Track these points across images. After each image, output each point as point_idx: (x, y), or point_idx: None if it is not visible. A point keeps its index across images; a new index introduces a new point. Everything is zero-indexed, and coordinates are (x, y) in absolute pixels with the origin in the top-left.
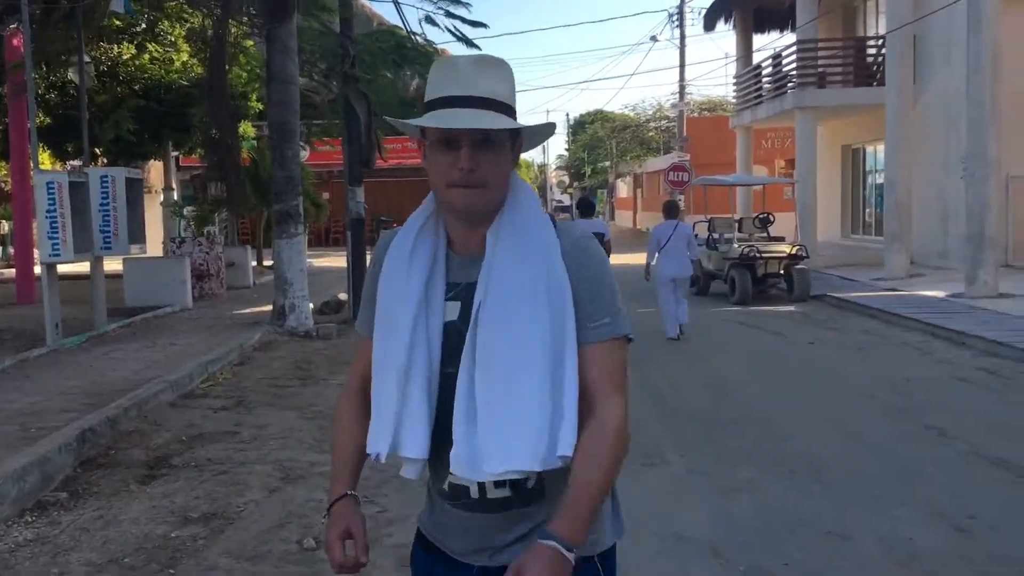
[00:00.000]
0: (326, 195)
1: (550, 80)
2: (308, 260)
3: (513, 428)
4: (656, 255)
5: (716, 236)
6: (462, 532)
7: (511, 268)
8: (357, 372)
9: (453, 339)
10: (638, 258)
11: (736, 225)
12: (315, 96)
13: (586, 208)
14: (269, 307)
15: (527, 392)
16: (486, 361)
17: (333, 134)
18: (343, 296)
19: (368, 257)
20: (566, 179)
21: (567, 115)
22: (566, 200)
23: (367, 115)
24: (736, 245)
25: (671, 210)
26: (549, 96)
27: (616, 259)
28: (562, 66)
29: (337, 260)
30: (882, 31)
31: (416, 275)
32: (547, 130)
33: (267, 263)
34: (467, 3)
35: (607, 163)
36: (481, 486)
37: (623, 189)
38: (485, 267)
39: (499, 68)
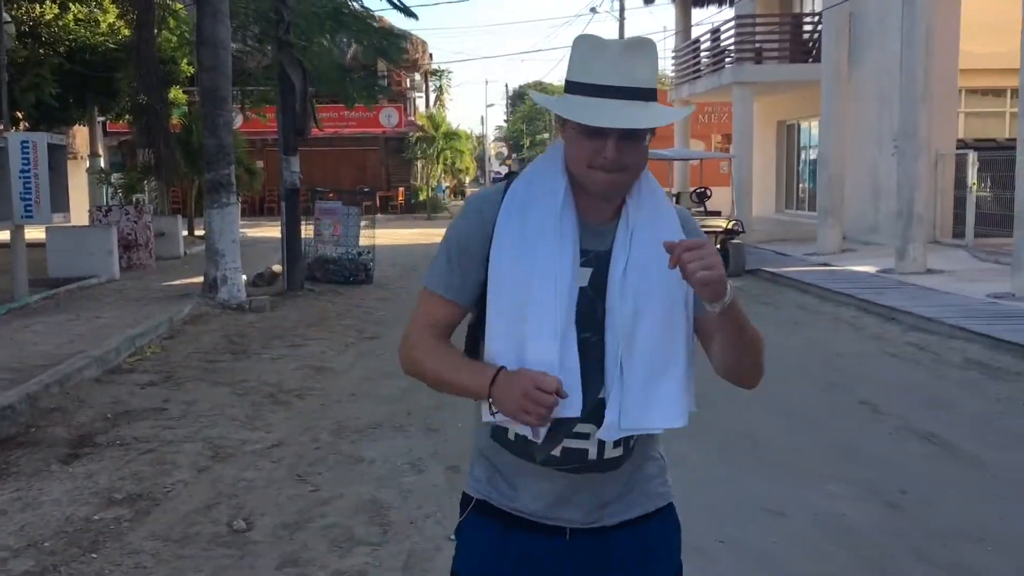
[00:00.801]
0: (261, 164)
1: (490, 50)
2: (241, 230)
3: (664, 389)
4: None
5: None
6: (565, 495)
7: (651, 235)
8: (428, 330)
9: (584, 305)
10: None
11: (674, 200)
12: (249, 62)
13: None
14: (200, 279)
15: (674, 354)
16: (635, 324)
17: (269, 101)
18: (277, 268)
19: (303, 228)
20: (504, 151)
21: (506, 86)
22: (503, 172)
23: (302, 83)
24: None
25: None
26: (489, 66)
27: None
28: (502, 36)
29: (271, 231)
30: (818, 8)
31: (567, 237)
32: (682, 115)
33: (199, 233)
34: None
35: (546, 135)
36: (601, 447)
37: None
38: (624, 234)
39: (649, 53)
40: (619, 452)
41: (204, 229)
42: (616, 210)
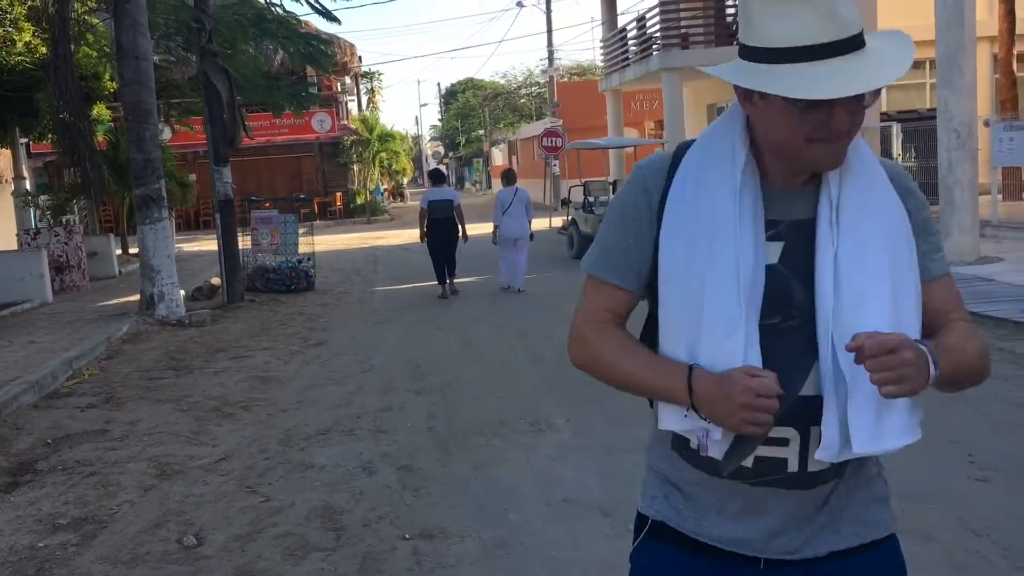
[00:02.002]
0: (193, 177)
1: (419, 49)
2: (177, 245)
3: (887, 403)
4: (502, 217)
5: (591, 199)
6: (759, 516)
7: (864, 206)
8: (600, 321)
9: (773, 286)
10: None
11: (611, 188)
12: (173, 73)
13: (437, 178)
14: (137, 297)
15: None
16: (858, 317)
17: (196, 113)
18: (216, 281)
19: (240, 239)
20: (441, 150)
21: (438, 85)
22: (443, 170)
23: (228, 92)
24: None
25: (510, 177)
26: (419, 66)
27: (474, 227)
28: (431, 35)
29: (208, 244)
30: None
31: (748, 211)
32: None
33: (133, 251)
34: None
35: (481, 132)
36: (803, 456)
37: (498, 157)
38: (827, 203)
39: None
40: (824, 464)
41: (138, 246)
42: (809, 174)
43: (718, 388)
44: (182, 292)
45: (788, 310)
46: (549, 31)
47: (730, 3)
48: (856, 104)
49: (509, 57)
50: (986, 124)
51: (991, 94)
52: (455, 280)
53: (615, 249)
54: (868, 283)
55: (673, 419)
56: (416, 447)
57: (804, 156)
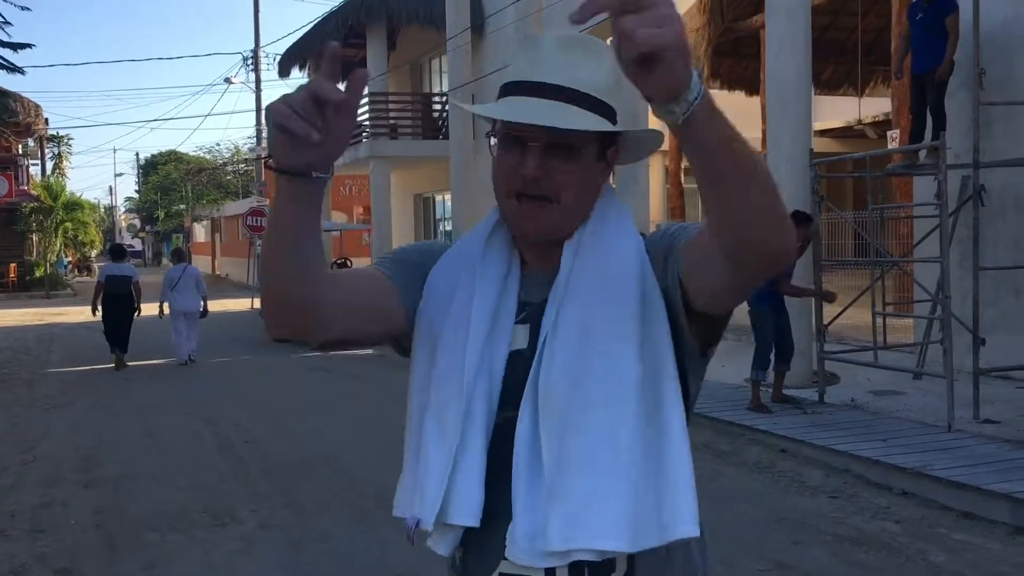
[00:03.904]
0: None
1: (114, 117)
2: None
3: (595, 493)
4: (170, 293)
5: None
6: None
7: (592, 281)
8: (340, 276)
9: (518, 373)
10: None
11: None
12: None
13: (117, 253)
14: None
15: (613, 443)
16: (557, 403)
17: None
18: None
19: None
20: (137, 223)
21: (136, 155)
22: (137, 245)
23: None
24: None
25: (180, 255)
26: (115, 133)
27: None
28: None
29: None
30: (446, 88)
31: (488, 287)
32: (652, 139)
33: None
34: (6, 22)
35: (183, 206)
36: (550, 574)
37: (201, 233)
38: (558, 283)
39: (593, 51)
40: None
41: None
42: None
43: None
44: None
45: None
46: (258, 110)
47: (436, 101)
48: (556, 160)
49: (215, 132)
50: (658, 228)
51: (663, 202)
52: (126, 355)
53: (394, 262)
54: (574, 367)
55: (441, 544)
56: (79, 547)
57: (509, 216)
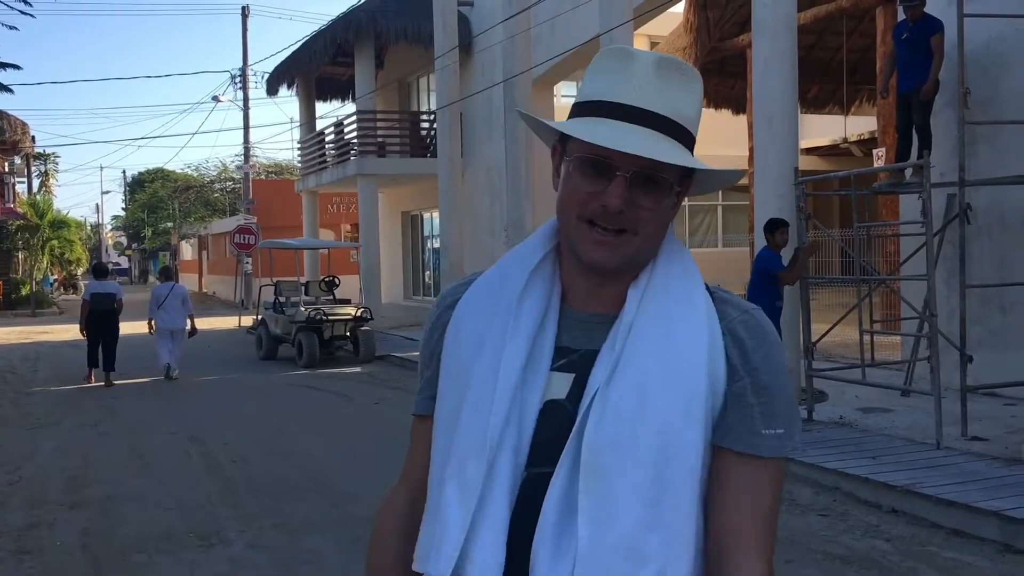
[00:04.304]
0: None
1: (101, 135)
2: None
3: (627, 567)
4: (156, 311)
5: (283, 300)
6: None
7: (655, 338)
8: (414, 470)
9: (553, 425)
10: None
11: (303, 288)
12: None
13: (100, 271)
14: None
15: (667, 530)
16: (604, 468)
17: None
18: None
19: None
20: (124, 240)
21: (123, 172)
22: (124, 263)
23: None
24: (303, 308)
25: (167, 273)
26: (102, 151)
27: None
28: (115, 121)
29: None
30: (434, 107)
31: (523, 329)
32: (732, 178)
33: None
34: None
35: (170, 224)
36: None
37: (188, 251)
38: (618, 333)
39: (690, 79)
40: None
41: None
42: (618, 298)
43: None
44: None
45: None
46: (246, 127)
47: (424, 119)
48: (642, 191)
49: (203, 150)
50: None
51: None
52: (113, 372)
53: (422, 379)
54: (631, 427)
55: None
56: (64, 569)
57: (575, 240)
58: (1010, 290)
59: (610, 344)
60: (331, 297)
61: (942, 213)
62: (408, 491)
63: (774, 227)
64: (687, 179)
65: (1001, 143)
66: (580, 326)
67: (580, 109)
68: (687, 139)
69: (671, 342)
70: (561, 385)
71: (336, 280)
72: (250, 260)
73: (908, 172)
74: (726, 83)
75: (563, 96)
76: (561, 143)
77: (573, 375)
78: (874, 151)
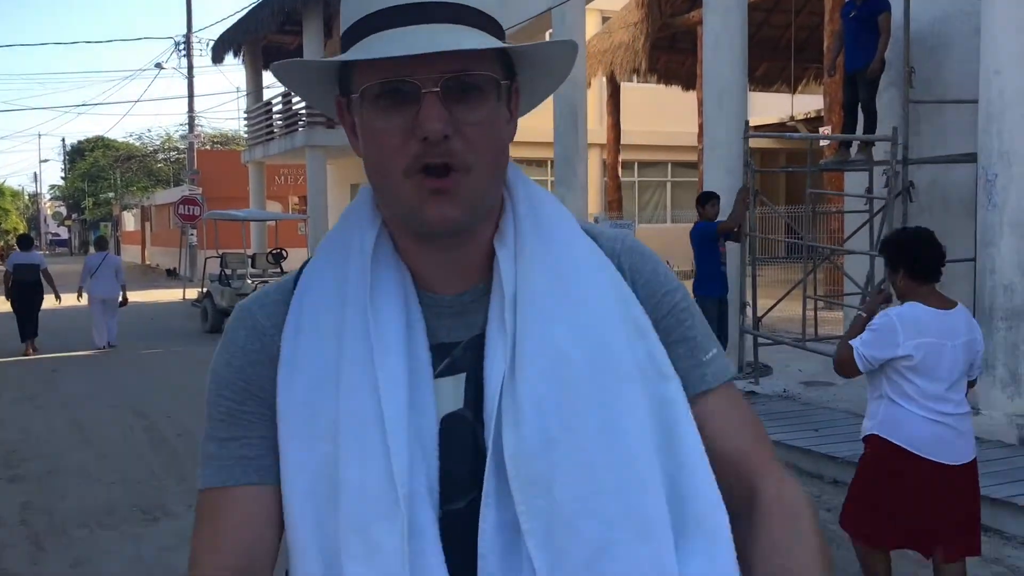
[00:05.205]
0: None
1: (39, 101)
2: None
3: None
4: (88, 280)
5: (229, 272)
6: None
7: (551, 300)
8: (227, 557)
9: (459, 447)
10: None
11: (249, 261)
12: None
13: (25, 243)
14: None
15: (638, 520)
16: (541, 480)
17: None
18: None
19: None
20: (63, 211)
21: (63, 140)
22: (63, 234)
23: None
24: (249, 281)
25: (102, 243)
26: (40, 118)
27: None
28: (54, 87)
29: None
30: None
31: (389, 334)
32: (560, 52)
33: None
34: None
35: (111, 194)
36: None
37: (130, 222)
38: (503, 307)
39: None
40: None
41: None
42: (482, 264)
43: None
44: None
45: (478, 484)
46: (191, 96)
47: None
48: (462, 106)
49: (146, 119)
50: (596, 220)
51: (601, 194)
52: (36, 339)
53: (219, 435)
54: (563, 418)
55: None
56: (3, 545)
57: (411, 202)
58: (949, 267)
59: (496, 324)
60: (279, 270)
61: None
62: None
63: (706, 199)
64: (511, 87)
65: (943, 122)
66: (449, 312)
67: (349, 38)
68: (494, 28)
69: (571, 299)
70: (452, 392)
71: (284, 252)
72: (195, 232)
73: (853, 149)
74: (676, 59)
75: None
76: (344, 94)
77: (463, 375)
78: (820, 129)
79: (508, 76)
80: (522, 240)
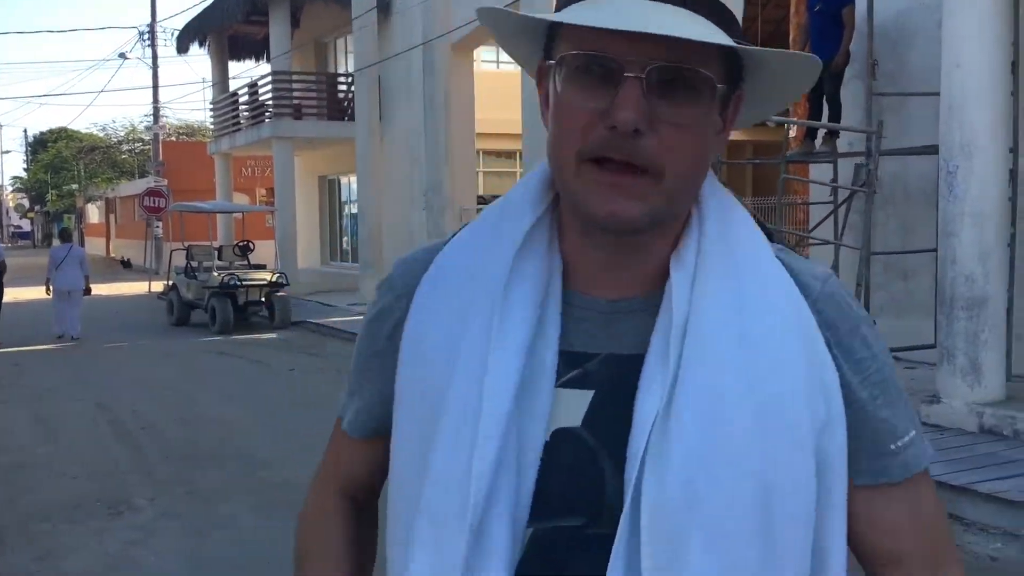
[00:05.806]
0: None
1: (2, 91)
2: None
3: None
4: (54, 272)
5: (195, 264)
6: None
7: (729, 339)
8: (329, 483)
9: (567, 463)
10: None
11: (216, 253)
12: None
13: None
14: None
15: None
16: (674, 534)
17: None
18: None
19: None
20: (26, 203)
21: (25, 131)
22: (25, 226)
23: None
24: (216, 274)
25: (65, 235)
26: (1, 109)
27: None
28: (15, 77)
29: None
30: (352, 69)
31: (513, 331)
32: (808, 70)
33: None
34: None
35: (75, 186)
36: None
37: (94, 214)
38: (670, 333)
39: None
40: None
41: None
42: (650, 275)
43: None
44: None
45: (597, 506)
46: (155, 87)
47: (341, 81)
48: (666, 103)
49: (110, 109)
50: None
51: None
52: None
53: (359, 384)
54: (713, 473)
55: None
56: None
57: (580, 190)
58: (912, 257)
59: (657, 353)
60: (245, 262)
61: (849, 182)
62: (341, 490)
63: None
64: (734, 94)
65: (906, 114)
66: (595, 319)
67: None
68: (726, 21)
69: (749, 344)
70: (573, 407)
71: (251, 245)
72: (160, 224)
73: (818, 142)
74: None
75: (483, 62)
76: (547, 54)
77: (591, 392)
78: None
79: (730, 80)
80: (704, 264)
